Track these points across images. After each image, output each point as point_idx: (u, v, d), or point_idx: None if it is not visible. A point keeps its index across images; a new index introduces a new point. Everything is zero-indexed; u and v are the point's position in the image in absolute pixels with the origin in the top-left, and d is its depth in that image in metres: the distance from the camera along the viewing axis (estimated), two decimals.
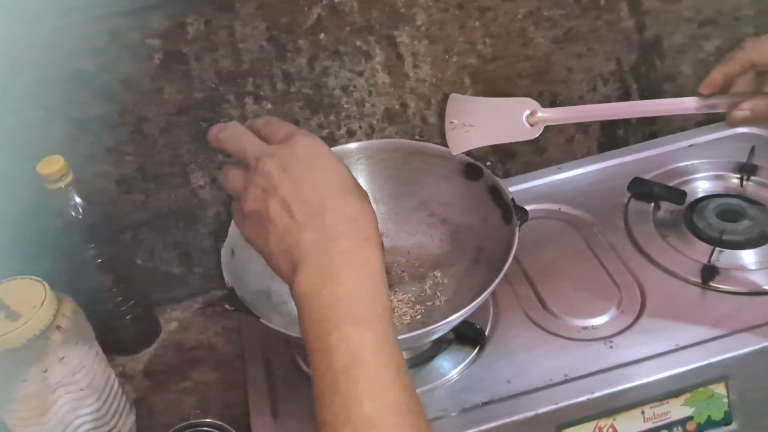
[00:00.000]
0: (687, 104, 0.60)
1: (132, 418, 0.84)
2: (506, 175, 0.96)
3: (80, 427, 0.76)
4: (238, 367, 0.87)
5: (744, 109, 0.57)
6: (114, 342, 0.88)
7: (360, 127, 0.90)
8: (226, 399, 0.85)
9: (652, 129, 1.01)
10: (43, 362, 0.70)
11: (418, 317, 0.71)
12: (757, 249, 0.75)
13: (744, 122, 0.58)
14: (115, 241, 0.86)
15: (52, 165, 0.76)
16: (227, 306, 0.63)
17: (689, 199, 0.81)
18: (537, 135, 0.62)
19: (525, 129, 0.63)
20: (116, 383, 0.81)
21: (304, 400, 0.68)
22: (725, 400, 0.65)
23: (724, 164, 0.85)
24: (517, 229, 0.66)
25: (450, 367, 0.68)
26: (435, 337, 0.65)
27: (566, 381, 0.65)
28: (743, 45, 0.60)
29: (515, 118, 0.63)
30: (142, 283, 0.92)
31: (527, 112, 0.63)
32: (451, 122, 0.64)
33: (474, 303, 0.61)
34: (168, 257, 0.96)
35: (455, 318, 0.60)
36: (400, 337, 0.63)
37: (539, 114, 0.63)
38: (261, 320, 0.62)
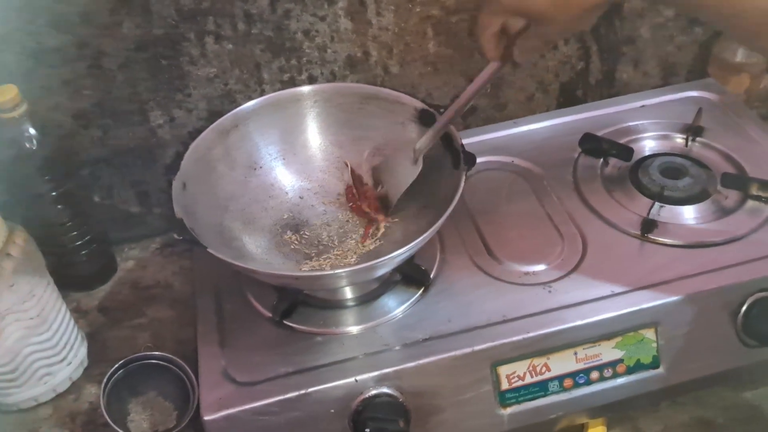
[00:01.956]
0: (493, 68, 0.67)
1: (84, 350, 0.85)
2: (466, 128, 0.97)
3: (30, 356, 0.77)
4: (194, 306, 0.88)
5: (516, 54, 0.64)
6: (69, 277, 0.88)
7: (321, 73, 0.91)
8: (180, 336, 0.87)
9: (610, 91, 1.03)
10: None
11: (366, 255, 0.73)
12: (696, 205, 0.77)
13: (523, 60, 0.65)
14: (71, 175, 0.87)
15: (5, 94, 0.76)
16: (176, 235, 0.65)
17: (636, 157, 0.83)
18: (420, 167, 0.74)
19: (413, 168, 0.74)
20: (68, 315, 0.82)
21: (252, 332, 0.70)
22: (654, 345, 0.68)
23: (672, 125, 0.88)
24: (464, 173, 0.68)
25: (395, 306, 0.70)
26: (380, 272, 0.67)
27: (504, 321, 0.68)
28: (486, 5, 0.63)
29: (405, 163, 0.74)
30: (99, 220, 0.92)
31: (410, 154, 0.74)
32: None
33: (417, 240, 0.62)
34: (126, 196, 0.96)
35: (399, 254, 0.62)
36: (346, 269, 0.66)
37: (416, 148, 0.73)
38: (208, 249, 0.63)
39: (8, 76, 0.80)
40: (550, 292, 0.70)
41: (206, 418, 0.62)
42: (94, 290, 0.94)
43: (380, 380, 0.64)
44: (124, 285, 0.95)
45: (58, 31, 0.80)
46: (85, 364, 0.85)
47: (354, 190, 0.78)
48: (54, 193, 0.84)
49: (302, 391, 0.63)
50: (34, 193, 0.83)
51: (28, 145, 0.80)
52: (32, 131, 0.80)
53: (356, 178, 0.79)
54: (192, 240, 0.65)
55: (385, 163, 0.78)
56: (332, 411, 0.64)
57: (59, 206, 0.86)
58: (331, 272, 0.65)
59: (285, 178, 0.79)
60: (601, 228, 0.77)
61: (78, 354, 0.83)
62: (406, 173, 0.74)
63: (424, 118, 0.75)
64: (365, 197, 0.77)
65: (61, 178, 0.84)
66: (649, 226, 0.75)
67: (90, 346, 0.86)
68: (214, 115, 0.85)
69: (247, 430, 0.63)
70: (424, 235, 0.63)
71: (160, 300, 0.92)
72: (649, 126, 0.88)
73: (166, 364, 0.79)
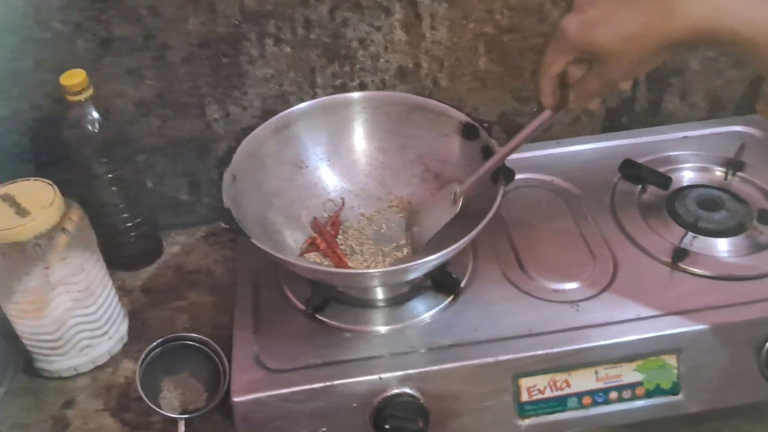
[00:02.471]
0: (545, 116, 0.68)
1: (125, 327, 0.89)
2: None
3: (74, 327, 0.81)
4: (233, 293, 0.92)
5: (573, 98, 0.65)
6: (117, 257, 0.92)
7: (372, 81, 0.94)
8: (217, 321, 0.90)
9: (654, 119, 1.03)
10: (46, 260, 0.75)
11: (399, 259, 0.75)
12: (730, 239, 0.78)
13: (579, 105, 0.66)
14: (128, 160, 0.91)
15: (74, 78, 0.80)
16: (223, 224, 0.68)
17: (674, 186, 0.84)
18: (458, 208, 0.75)
19: (451, 208, 0.75)
20: (113, 292, 0.86)
21: (285, 323, 0.73)
22: (675, 371, 0.69)
23: (713, 158, 0.88)
24: (502, 188, 0.70)
25: (423, 310, 0.73)
26: (411, 276, 0.69)
27: (529, 335, 0.69)
28: (551, 42, 0.64)
29: (444, 203, 0.76)
30: (150, 205, 0.97)
31: (451, 195, 0.75)
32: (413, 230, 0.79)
33: (450, 248, 0.65)
34: (177, 184, 1.00)
35: (431, 260, 0.64)
36: (379, 270, 0.68)
37: (457, 190, 0.75)
38: (252, 240, 0.66)
39: (78, 61, 0.85)
40: (577, 310, 0.72)
41: (236, 399, 0.65)
42: (139, 271, 0.98)
43: (403, 380, 0.66)
44: (168, 268, 0.99)
45: (127, 22, 0.84)
46: (125, 340, 0.89)
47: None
48: (110, 176, 0.88)
49: (328, 383, 0.66)
50: (92, 174, 0.88)
51: (90, 128, 0.84)
52: (95, 115, 0.84)
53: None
54: (237, 229, 0.68)
55: (423, 206, 0.80)
56: (354, 405, 0.66)
57: (114, 188, 0.90)
58: (365, 271, 0.68)
59: (328, 179, 0.82)
60: (633, 252, 0.78)
61: (119, 330, 0.87)
62: (442, 214, 0.75)
63: (468, 132, 0.78)
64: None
65: (118, 162, 0.88)
66: (680, 254, 0.76)
67: (130, 323, 0.90)
68: (267, 114, 0.89)
69: (272, 415, 0.65)
70: (457, 244, 0.65)
71: (201, 285, 0.96)
72: (690, 157, 0.89)
73: (201, 346, 0.83)
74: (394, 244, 0.78)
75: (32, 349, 0.82)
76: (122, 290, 0.93)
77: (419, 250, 0.77)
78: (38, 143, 0.92)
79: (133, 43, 0.86)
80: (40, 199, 0.76)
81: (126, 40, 0.86)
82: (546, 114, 0.67)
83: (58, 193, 0.77)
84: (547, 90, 0.66)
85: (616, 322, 0.70)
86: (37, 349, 0.82)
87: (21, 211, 0.75)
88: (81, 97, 0.82)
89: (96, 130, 0.84)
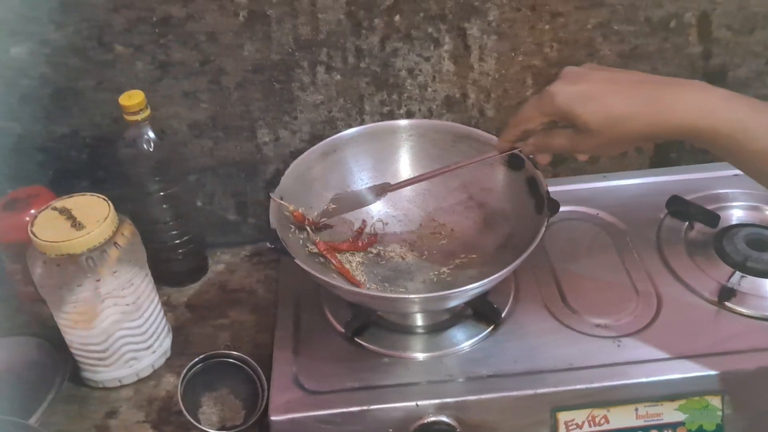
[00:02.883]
0: (489, 155, 0.74)
1: (168, 342, 0.91)
2: (555, 176, 0.99)
3: (121, 339, 0.83)
4: (273, 313, 0.93)
5: (530, 144, 0.69)
6: (164, 273, 0.95)
7: (419, 109, 0.95)
8: (258, 340, 0.91)
9: (704, 156, 1.02)
10: (97, 272, 0.78)
11: (440, 286, 0.76)
12: None
13: (532, 152, 0.71)
14: (179, 180, 0.93)
15: (133, 98, 0.83)
16: (268, 244, 0.69)
17: (722, 224, 0.83)
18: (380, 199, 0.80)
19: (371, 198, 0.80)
20: (159, 307, 0.88)
21: (325, 345, 0.74)
22: (719, 413, 0.68)
23: (763, 197, 0.87)
24: (546, 219, 0.70)
25: (463, 339, 0.73)
26: (452, 304, 0.69)
27: (569, 369, 0.69)
28: (535, 99, 0.67)
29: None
30: (198, 223, 0.99)
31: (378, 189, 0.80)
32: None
33: (491, 277, 0.65)
34: (226, 204, 1.03)
35: (472, 288, 0.65)
36: (420, 296, 0.68)
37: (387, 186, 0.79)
38: (296, 260, 0.68)
39: (137, 82, 0.88)
40: (618, 346, 0.71)
41: (273, 418, 0.66)
42: (184, 287, 1.00)
43: (440, 408, 0.66)
44: (213, 286, 1.01)
45: (185, 46, 0.88)
46: (168, 354, 0.90)
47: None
48: (162, 194, 0.91)
49: (365, 407, 0.66)
50: (145, 191, 0.90)
51: (146, 147, 0.87)
52: (151, 135, 0.87)
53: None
54: (282, 250, 0.69)
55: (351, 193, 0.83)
56: (390, 430, 0.66)
57: (165, 206, 0.92)
58: (405, 296, 0.68)
59: (373, 204, 0.84)
60: (678, 290, 0.77)
61: (163, 344, 0.89)
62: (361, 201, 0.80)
63: (513, 162, 0.78)
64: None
65: (171, 181, 0.91)
66: (727, 294, 0.74)
67: (174, 338, 0.92)
68: (315, 139, 0.91)
69: None
70: (499, 273, 0.66)
71: (244, 304, 0.97)
72: (740, 195, 0.88)
73: (241, 364, 0.84)
74: (436, 271, 0.78)
75: (80, 359, 0.85)
76: (167, 305, 0.95)
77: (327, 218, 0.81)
78: (95, 160, 0.96)
79: (190, 68, 0.89)
80: (95, 214, 0.78)
81: (183, 64, 0.89)
82: (491, 153, 0.74)
83: (113, 208, 0.80)
84: (509, 137, 0.70)
85: (658, 359, 0.69)
86: (84, 359, 0.84)
87: (76, 225, 0.77)
88: (138, 117, 0.85)
89: (151, 150, 0.87)
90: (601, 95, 0.61)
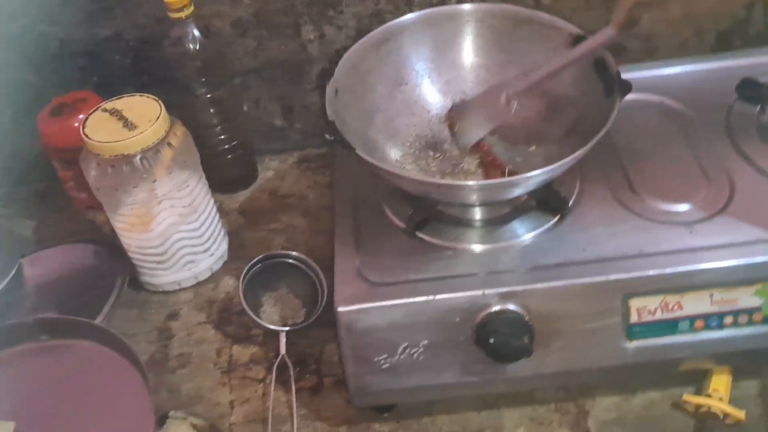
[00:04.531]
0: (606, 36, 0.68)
1: (225, 245, 0.91)
2: None
3: (178, 242, 0.83)
4: (326, 217, 0.92)
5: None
6: (214, 180, 0.93)
7: None
8: (311, 243, 0.91)
9: None
10: (153, 173, 0.77)
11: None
12: None
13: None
14: (225, 82, 0.91)
15: None
16: (327, 135, 0.67)
17: None
18: (512, 112, 0.73)
19: (503, 111, 0.73)
20: (214, 209, 0.87)
21: (385, 240, 0.72)
22: None
23: None
24: (619, 100, 0.67)
25: (527, 230, 0.71)
26: (517, 191, 0.67)
27: (641, 256, 0.66)
28: None
29: (495, 104, 0.74)
30: (245, 129, 0.97)
31: (502, 97, 0.73)
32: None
33: (559, 163, 0.62)
34: (272, 109, 1.01)
35: (538, 174, 0.62)
36: (485, 182, 0.66)
37: (510, 92, 0.72)
38: (356, 151, 0.66)
39: None
40: (691, 232, 0.68)
41: (340, 309, 0.65)
42: (236, 194, 1.00)
43: (508, 297, 0.65)
44: (264, 192, 1.00)
45: None
46: (225, 258, 0.91)
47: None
48: (208, 96, 0.89)
49: (430, 297, 0.65)
50: (192, 94, 0.89)
51: (191, 46, 0.85)
52: (196, 33, 0.84)
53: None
54: (341, 142, 0.67)
55: (471, 103, 0.78)
56: (457, 320, 0.66)
57: (212, 110, 0.91)
58: (471, 183, 0.66)
59: (429, 96, 0.81)
60: (751, 175, 0.73)
61: (220, 247, 0.89)
62: (491, 116, 0.74)
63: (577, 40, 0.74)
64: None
65: (216, 83, 0.89)
66: None
67: (230, 243, 0.92)
68: (361, 34, 0.86)
69: (375, 326, 0.65)
70: (567, 159, 0.63)
71: (295, 209, 0.97)
72: None
73: (299, 264, 0.84)
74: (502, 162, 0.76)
75: (138, 263, 0.85)
76: (220, 211, 0.94)
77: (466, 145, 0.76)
78: (139, 64, 0.94)
79: None
80: (147, 114, 0.77)
81: None
82: (608, 33, 0.68)
83: (163, 108, 0.78)
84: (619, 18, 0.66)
85: (733, 244, 0.66)
86: (142, 263, 0.85)
87: (129, 125, 0.76)
88: (183, 14, 0.82)
89: (197, 48, 0.85)
90: None
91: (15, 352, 0.74)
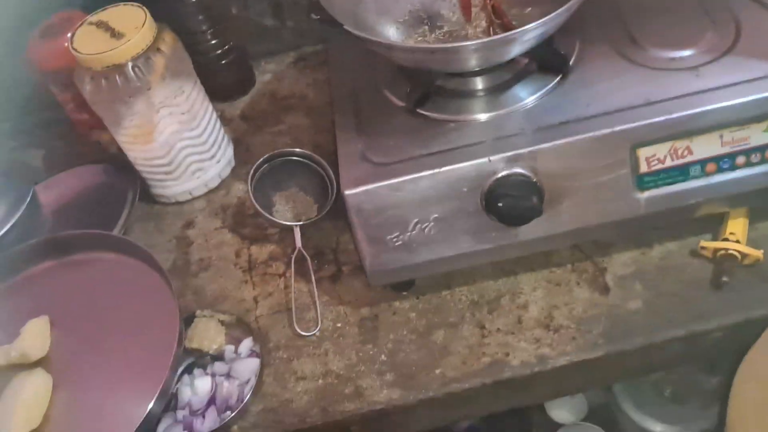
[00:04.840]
0: None
1: (230, 151, 0.90)
2: None
3: (183, 150, 0.83)
4: (328, 114, 0.91)
5: None
6: (212, 87, 0.93)
7: None
8: (317, 140, 0.91)
9: None
10: (147, 81, 0.76)
11: None
12: None
13: None
14: None
15: None
16: (313, 15, 0.66)
17: None
18: None
19: None
20: (214, 115, 0.87)
21: (387, 121, 0.71)
22: None
23: None
24: None
25: (529, 94, 0.69)
26: (516, 49, 0.65)
27: (647, 104, 0.65)
28: None
29: None
30: (237, 32, 0.96)
31: None
32: None
33: (555, 13, 0.60)
34: (260, 9, 0.99)
35: (537, 25, 0.60)
36: (481, 41, 0.64)
37: None
38: (345, 27, 0.64)
39: None
40: (697, 75, 0.66)
41: (346, 192, 0.65)
42: (235, 101, 0.99)
43: (514, 160, 0.64)
44: (263, 96, 0.99)
45: None
46: (233, 164, 0.91)
47: None
48: (194, 0, 0.87)
49: (435, 170, 0.65)
50: (179, 1, 0.87)
51: None
52: None
53: None
54: (328, 20, 0.65)
55: None
56: (465, 190, 0.65)
57: (200, 16, 0.89)
58: (466, 43, 0.63)
59: None
60: (756, 12, 0.70)
61: (226, 153, 0.89)
62: None
63: None
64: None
65: None
66: None
67: (235, 149, 0.92)
68: None
69: (383, 205, 0.65)
70: (563, 8, 0.61)
71: (297, 109, 0.96)
72: None
73: (306, 161, 0.84)
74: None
75: (147, 176, 0.85)
76: (222, 120, 0.94)
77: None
78: None
79: None
80: (133, 22, 0.76)
81: None
82: None
83: (149, 14, 0.77)
84: None
85: (741, 81, 0.64)
86: (151, 175, 0.85)
87: (116, 35, 0.75)
88: None
89: None
90: None
91: (40, 269, 0.76)
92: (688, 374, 1.00)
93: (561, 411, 1.13)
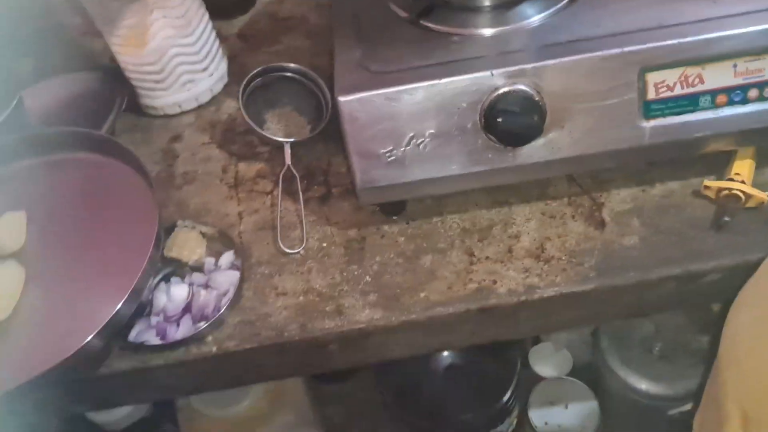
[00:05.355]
0: None
1: (224, 66, 0.87)
2: None
3: (175, 58, 0.80)
4: (329, 37, 0.88)
5: None
6: (210, 3, 0.89)
7: None
8: (315, 62, 0.87)
9: None
10: None
11: None
12: None
13: None
14: None
15: None
16: None
17: None
18: None
19: None
20: (210, 25, 0.84)
21: (389, 31, 0.69)
22: None
23: None
24: None
25: (537, 11, 0.66)
26: None
27: (659, 27, 0.62)
28: None
29: None
30: None
31: None
32: None
33: None
34: None
35: None
36: None
37: None
38: None
39: None
40: (716, 1, 0.63)
41: (341, 98, 0.62)
42: (234, 19, 0.95)
43: (517, 76, 0.61)
44: (263, 16, 0.96)
45: None
46: (225, 80, 0.88)
47: None
48: None
49: (434, 81, 0.62)
50: None
51: None
52: None
53: None
54: None
55: None
56: (464, 105, 0.62)
57: None
58: None
59: None
60: None
61: (219, 68, 0.86)
62: None
63: None
64: None
65: None
66: None
67: (230, 67, 0.89)
68: None
69: (378, 115, 0.63)
70: None
71: (297, 30, 0.93)
72: None
73: (300, 78, 0.81)
74: None
75: (137, 83, 0.82)
76: (219, 37, 0.91)
77: None
78: None
79: None
80: None
81: None
82: None
83: None
84: None
85: (761, 10, 0.61)
86: (141, 83, 0.82)
87: None
88: None
89: None
90: None
91: (21, 166, 0.73)
92: (678, 332, 0.98)
93: (545, 366, 1.12)
